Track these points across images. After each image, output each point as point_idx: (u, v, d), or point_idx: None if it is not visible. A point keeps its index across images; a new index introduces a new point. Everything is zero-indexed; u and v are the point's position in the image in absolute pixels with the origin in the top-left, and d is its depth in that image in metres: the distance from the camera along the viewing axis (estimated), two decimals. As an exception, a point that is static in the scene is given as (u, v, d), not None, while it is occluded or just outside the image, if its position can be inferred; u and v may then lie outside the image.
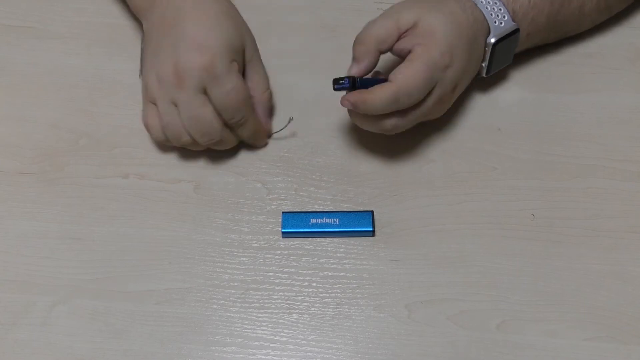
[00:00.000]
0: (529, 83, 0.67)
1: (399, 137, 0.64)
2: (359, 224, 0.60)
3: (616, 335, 0.57)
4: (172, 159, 0.64)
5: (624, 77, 0.68)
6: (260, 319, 0.58)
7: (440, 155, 0.64)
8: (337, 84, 0.57)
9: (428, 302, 0.58)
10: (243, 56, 0.61)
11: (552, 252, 0.60)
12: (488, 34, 0.61)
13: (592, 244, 0.60)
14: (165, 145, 0.64)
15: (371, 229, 0.60)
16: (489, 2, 0.61)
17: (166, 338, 0.57)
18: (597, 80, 0.68)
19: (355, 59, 0.58)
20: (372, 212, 0.61)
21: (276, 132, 0.65)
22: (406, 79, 0.56)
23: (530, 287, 0.58)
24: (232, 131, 0.61)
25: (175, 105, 0.58)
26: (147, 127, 0.62)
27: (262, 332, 0.57)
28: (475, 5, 0.60)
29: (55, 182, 0.63)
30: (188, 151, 0.64)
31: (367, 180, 0.63)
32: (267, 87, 0.63)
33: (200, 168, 0.64)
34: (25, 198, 0.63)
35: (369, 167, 0.64)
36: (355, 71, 0.58)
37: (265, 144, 0.65)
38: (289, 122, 0.64)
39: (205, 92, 0.58)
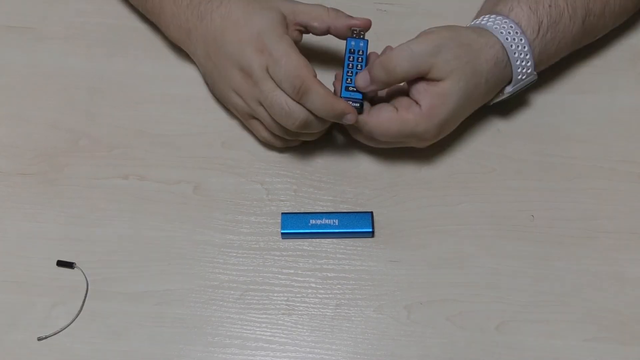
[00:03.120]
0: (529, 83, 0.67)
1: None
2: (358, 224, 0.60)
3: (616, 336, 0.56)
4: (172, 159, 0.64)
5: (624, 77, 0.68)
6: (259, 320, 0.58)
7: (440, 156, 0.64)
8: (352, 100, 0.59)
9: (427, 302, 0.58)
10: (286, 23, 0.61)
11: (552, 252, 0.60)
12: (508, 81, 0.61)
13: (592, 245, 0.60)
14: (290, 147, 0.64)
15: (371, 230, 0.60)
16: (517, 48, 0.59)
17: (165, 339, 0.57)
18: (597, 80, 0.68)
19: (372, 79, 0.58)
20: (371, 213, 0.61)
21: None
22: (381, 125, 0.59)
23: (530, 288, 0.58)
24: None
25: (260, 102, 0.59)
26: (267, 143, 0.63)
27: (262, 333, 0.57)
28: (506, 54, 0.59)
29: (54, 182, 0.63)
30: (187, 152, 0.64)
31: (366, 181, 0.63)
32: (322, 11, 0.61)
33: (200, 169, 0.64)
34: (25, 199, 0.63)
35: (369, 167, 0.64)
36: (364, 86, 0.59)
37: (346, 116, 0.58)
38: None
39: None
